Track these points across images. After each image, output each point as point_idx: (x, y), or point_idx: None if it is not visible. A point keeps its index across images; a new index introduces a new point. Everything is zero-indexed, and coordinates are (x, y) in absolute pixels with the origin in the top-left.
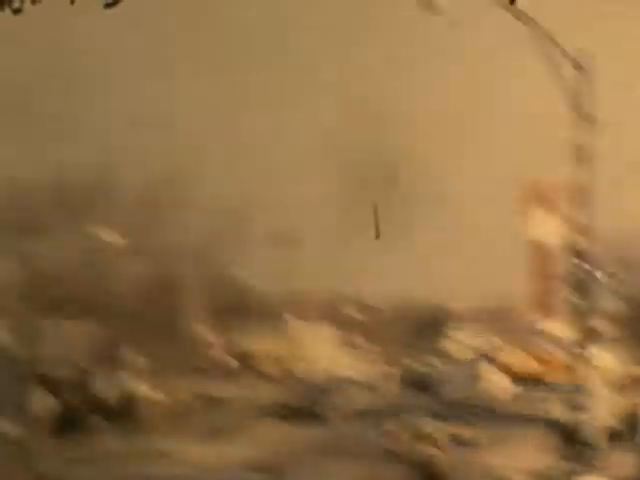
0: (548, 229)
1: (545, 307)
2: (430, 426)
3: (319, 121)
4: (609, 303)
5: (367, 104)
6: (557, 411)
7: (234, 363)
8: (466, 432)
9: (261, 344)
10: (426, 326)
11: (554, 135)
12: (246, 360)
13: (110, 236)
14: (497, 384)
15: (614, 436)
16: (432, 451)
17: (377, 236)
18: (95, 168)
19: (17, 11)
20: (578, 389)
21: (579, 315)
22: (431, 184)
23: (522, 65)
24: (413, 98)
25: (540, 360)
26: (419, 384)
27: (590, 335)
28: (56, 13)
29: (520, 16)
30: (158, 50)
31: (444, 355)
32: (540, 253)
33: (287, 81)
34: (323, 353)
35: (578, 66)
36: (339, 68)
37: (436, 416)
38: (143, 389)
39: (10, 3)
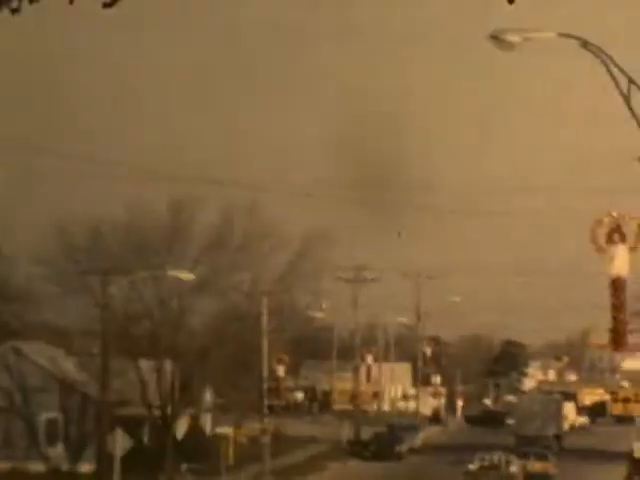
0: (624, 263)
1: (619, 341)
2: (506, 461)
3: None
4: None
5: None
6: (632, 445)
7: (308, 402)
8: (539, 467)
9: (338, 383)
10: (501, 361)
11: (628, 168)
12: (321, 398)
13: (184, 275)
14: (574, 420)
15: None
16: None
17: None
18: (170, 210)
19: (15, 11)
20: None
21: None
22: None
23: (595, 98)
24: (491, 123)
25: (617, 396)
26: (493, 420)
27: None
28: (54, 13)
29: (586, 45)
30: (158, 52)
31: (519, 391)
32: (617, 288)
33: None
34: (399, 390)
35: None
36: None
37: (511, 451)
38: (218, 428)
39: (8, 3)
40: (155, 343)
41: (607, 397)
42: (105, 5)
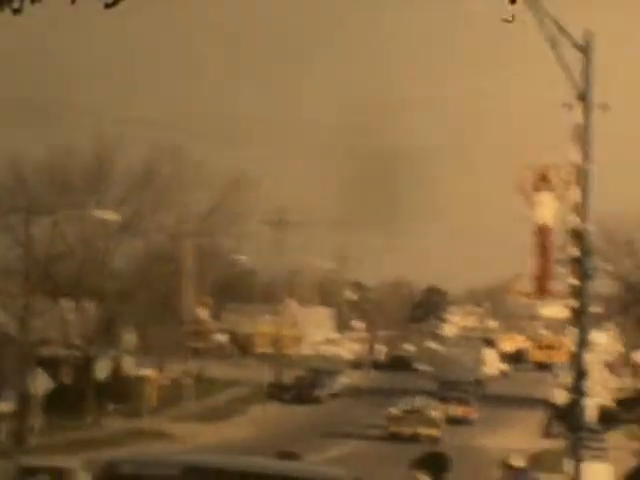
0: (548, 211)
1: (542, 289)
2: (427, 406)
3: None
4: (604, 284)
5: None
6: (552, 392)
7: (231, 344)
8: (460, 411)
9: (260, 327)
10: (422, 307)
11: (556, 118)
12: (243, 342)
13: (109, 215)
14: (492, 365)
15: (608, 416)
16: (431, 431)
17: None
18: (94, 151)
19: (17, 11)
20: (573, 370)
21: (575, 296)
22: (435, 169)
23: (525, 49)
24: (415, 87)
25: (535, 342)
26: (401, 365)
27: (585, 316)
28: (56, 13)
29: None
30: (157, 47)
31: (439, 337)
32: (542, 236)
33: None
34: (320, 335)
35: (579, 48)
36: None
37: (432, 396)
38: (140, 370)
39: (10, 3)
40: (78, 283)
41: (527, 344)
42: (107, 5)
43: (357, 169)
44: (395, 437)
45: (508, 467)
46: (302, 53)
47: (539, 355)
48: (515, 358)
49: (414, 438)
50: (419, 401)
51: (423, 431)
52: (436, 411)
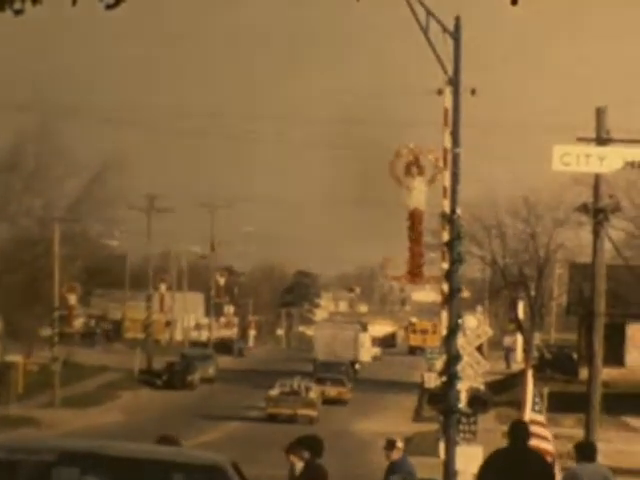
0: (422, 196)
1: (414, 273)
2: (309, 388)
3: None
4: (475, 269)
5: None
6: (423, 375)
7: (100, 330)
8: (335, 392)
9: (130, 312)
10: (292, 292)
11: (426, 101)
12: (114, 327)
13: None
14: (365, 349)
15: (479, 400)
16: (309, 411)
17: None
18: None
19: (18, 12)
20: (444, 353)
21: (446, 280)
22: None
23: (394, 31)
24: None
25: (414, 327)
26: (290, 346)
27: (456, 300)
28: (58, 14)
29: None
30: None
31: (309, 320)
32: (414, 220)
33: None
34: (192, 320)
35: (450, 34)
36: None
37: (311, 377)
38: (7, 356)
39: (11, 4)
40: None
41: (397, 329)
42: (108, 7)
43: (231, 154)
44: (273, 418)
45: (393, 447)
46: None
47: (414, 339)
48: (386, 343)
49: (292, 419)
50: (297, 382)
51: (301, 412)
52: (313, 392)
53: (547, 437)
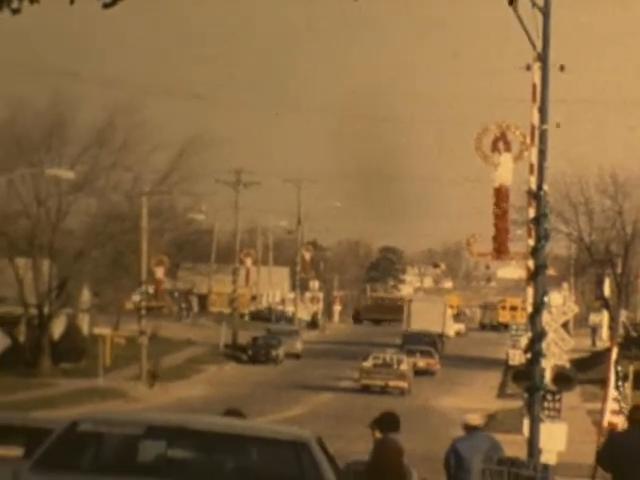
0: (508, 172)
1: (500, 250)
2: (401, 360)
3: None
4: (561, 245)
5: None
6: (508, 352)
7: (187, 303)
8: (424, 363)
9: (216, 286)
10: (378, 267)
11: (512, 77)
12: (201, 301)
13: (64, 173)
14: (449, 325)
15: (563, 377)
16: (400, 383)
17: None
18: (50, 108)
19: (16, 11)
20: (529, 330)
21: (531, 256)
22: (393, 131)
23: (482, 6)
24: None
25: (504, 303)
26: (375, 321)
27: (541, 277)
28: (55, 13)
29: None
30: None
31: (395, 296)
32: (500, 196)
33: None
34: (277, 295)
35: (539, 9)
36: None
37: (400, 349)
38: (95, 329)
39: (9, 3)
40: (33, 242)
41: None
42: (105, 5)
43: (320, 130)
44: (367, 389)
45: (465, 425)
46: None
47: (503, 315)
48: (471, 318)
49: (384, 390)
50: (389, 355)
51: (393, 383)
52: (405, 364)
53: (619, 411)
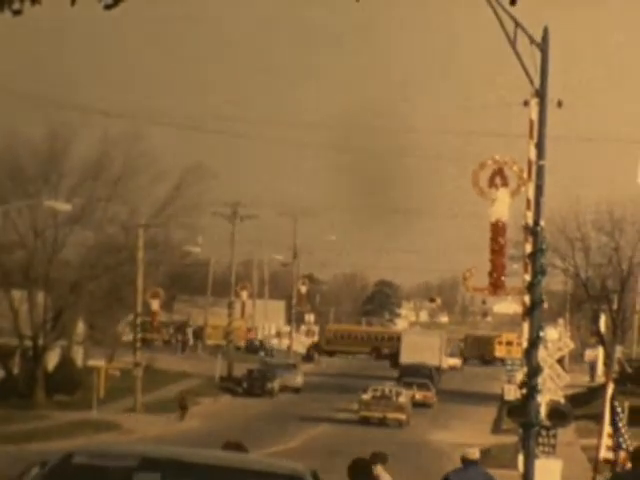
0: (505, 207)
1: (496, 285)
2: (400, 393)
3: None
4: (557, 281)
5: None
6: (503, 387)
7: (182, 336)
8: (421, 396)
9: (212, 318)
10: (373, 301)
11: (510, 113)
12: (196, 333)
13: (60, 205)
14: (445, 359)
15: (558, 413)
16: (398, 415)
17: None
18: (46, 139)
19: (17, 12)
20: (525, 365)
21: (527, 292)
22: (390, 166)
23: (482, 42)
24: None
25: (501, 338)
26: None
27: (537, 312)
28: (56, 15)
29: None
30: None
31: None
32: (497, 231)
33: None
34: (273, 328)
35: (537, 45)
36: None
37: (397, 382)
38: (90, 360)
39: (10, 4)
40: (28, 273)
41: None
42: (107, 7)
43: (317, 164)
44: (366, 421)
45: (464, 459)
46: None
47: (499, 350)
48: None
49: (382, 422)
50: (388, 387)
51: (391, 415)
52: (403, 397)
53: (615, 447)
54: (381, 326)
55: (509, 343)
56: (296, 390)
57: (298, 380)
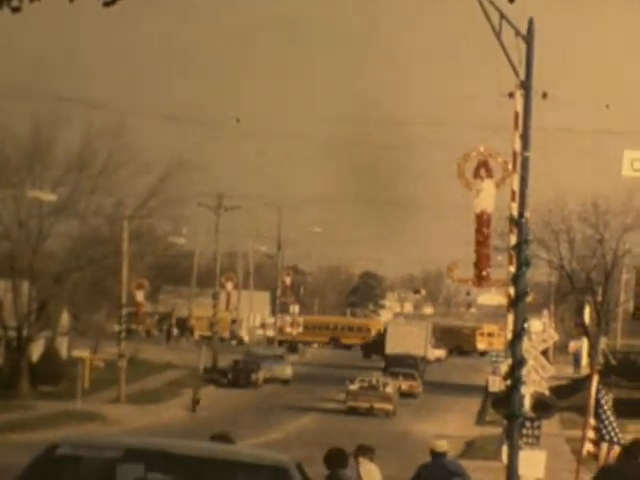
0: (490, 198)
1: (481, 276)
2: (387, 383)
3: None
4: (542, 272)
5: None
6: (487, 378)
7: (167, 327)
8: (407, 386)
9: (197, 309)
10: (358, 292)
11: (495, 105)
12: (180, 324)
13: (45, 196)
14: (428, 351)
15: (543, 404)
16: (385, 405)
17: None
18: (31, 130)
19: (16, 10)
20: (509, 357)
21: (512, 283)
22: (380, 152)
23: (468, 34)
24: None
25: (482, 330)
26: (374, 346)
27: (522, 304)
28: (55, 12)
29: None
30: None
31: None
32: (482, 223)
33: None
34: (257, 319)
35: (522, 37)
36: None
37: (383, 372)
38: (74, 351)
39: (9, 2)
40: (13, 264)
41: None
42: (106, 3)
43: (302, 155)
44: (353, 411)
45: (432, 451)
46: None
47: (481, 341)
48: (452, 343)
49: (370, 412)
50: (375, 378)
51: (378, 405)
52: (390, 387)
53: (598, 441)
54: (341, 316)
55: (490, 334)
56: (285, 381)
57: (287, 371)
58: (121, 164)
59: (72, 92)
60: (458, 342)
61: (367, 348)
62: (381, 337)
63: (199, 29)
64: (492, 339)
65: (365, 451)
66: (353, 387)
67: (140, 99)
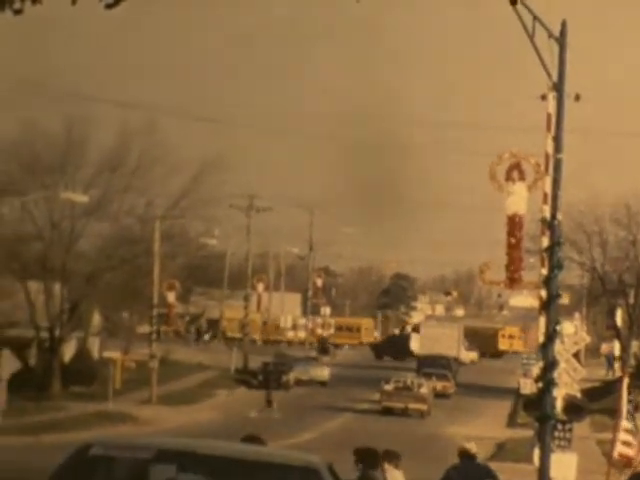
0: (522, 201)
1: (512, 278)
2: (421, 384)
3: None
4: (574, 275)
5: None
6: (518, 380)
7: (198, 328)
8: (440, 386)
9: (228, 311)
10: (389, 294)
11: (527, 107)
12: (212, 325)
13: (77, 197)
14: (461, 353)
15: (574, 407)
16: (420, 405)
17: None
18: (64, 131)
19: (18, 12)
20: (541, 359)
21: (544, 285)
22: (413, 161)
23: (500, 36)
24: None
25: (494, 330)
26: (386, 346)
27: (554, 306)
28: (57, 14)
29: None
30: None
31: (406, 323)
32: (514, 225)
33: None
34: (289, 320)
35: (555, 39)
36: None
37: (416, 373)
38: (106, 352)
39: (11, 4)
40: (45, 265)
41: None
42: (108, 6)
43: (333, 156)
44: (388, 411)
45: (461, 453)
46: None
47: (503, 343)
48: (483, 346)
49: (404, 412)
50: (409, 379)
51: (412, 406)
52: (425, 387)
53: (631, 443)
54: (372, 317)
55: (511, 336)
56: (322, 383)
57: (324, 373)
58: (153, 164)
59: (104, 92)
60: (480, 343)
61: (378, 349)
62: (392, 338)
63: (230, 28)
64: (513, 340)
65: (391, 457)
66: (388, 387)
67: (172, 99)
